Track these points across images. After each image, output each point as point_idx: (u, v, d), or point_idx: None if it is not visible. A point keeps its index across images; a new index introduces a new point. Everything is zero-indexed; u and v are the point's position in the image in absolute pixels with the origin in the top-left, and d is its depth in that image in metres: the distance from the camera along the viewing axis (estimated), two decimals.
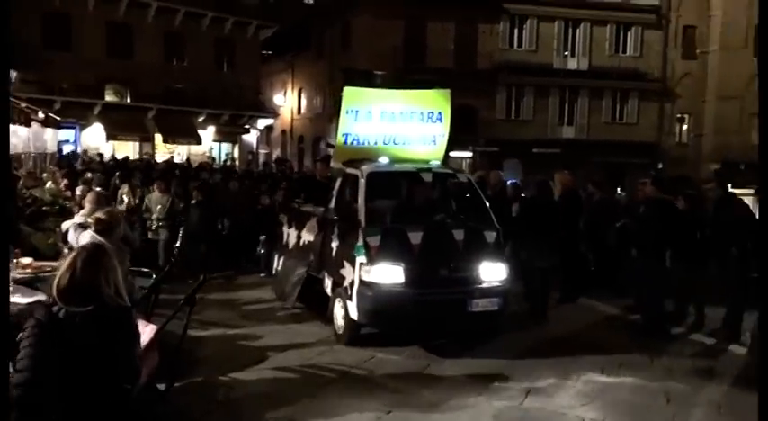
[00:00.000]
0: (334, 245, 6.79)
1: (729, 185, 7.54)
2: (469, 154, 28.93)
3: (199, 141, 27.30)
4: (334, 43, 30.40)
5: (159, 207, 9.64)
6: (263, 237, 9.82)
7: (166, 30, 26.43)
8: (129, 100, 25.88)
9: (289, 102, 34.96)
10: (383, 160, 7.00)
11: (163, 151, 26.38)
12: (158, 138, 26.52)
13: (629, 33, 30.09)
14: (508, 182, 10.11)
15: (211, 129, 28.41)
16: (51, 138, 14.32)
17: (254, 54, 30.02)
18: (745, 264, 6.60)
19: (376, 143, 7.15)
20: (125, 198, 10.15)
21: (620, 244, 8.60)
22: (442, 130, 7.43)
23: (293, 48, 33.08)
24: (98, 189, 9.14)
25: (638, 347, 6.55)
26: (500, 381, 5.51)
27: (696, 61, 30.98)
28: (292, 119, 35.01)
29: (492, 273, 6.33)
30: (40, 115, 12.20)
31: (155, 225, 9.60)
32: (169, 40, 26.74)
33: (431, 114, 7.30)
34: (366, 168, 6.68)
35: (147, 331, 3.62)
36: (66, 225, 5.80)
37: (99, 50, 24.79)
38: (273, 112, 32.59)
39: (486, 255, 6.35)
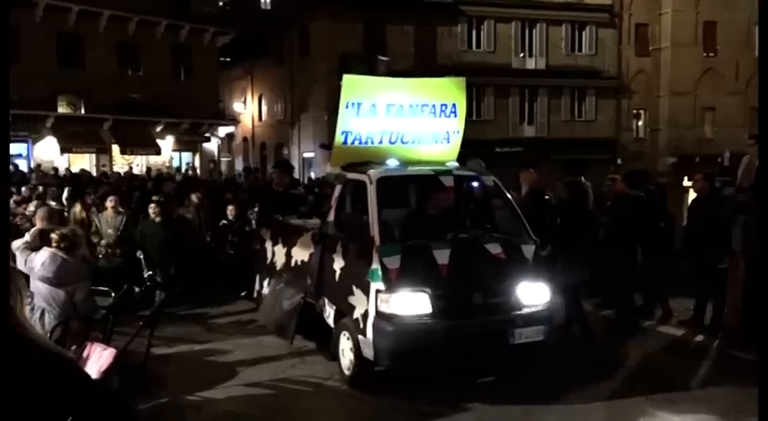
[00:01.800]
0: (338, 266, 5.66)
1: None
2: None
3: (158, 151, 26.68)
4: (292, 48, 30.17)
5: (110, 231, 8.16)
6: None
7: (119, 39, 25.74)
8: (83, 111, 25.13)
9: (249, 109, 34.52)
10: (392, 163, 5.95)
11: (121, 163, 25.72)
12: (116, 149, 25.84)
13: (583, 32, 30.62)
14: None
15: (170, 139, 27.81)
16: None
17: (212, 61, 29.51)
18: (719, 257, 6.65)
19: (381, 142, 6.08)
20: (78, 217, 8.73)
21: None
22: (457, 126, 6.39)
23: (252, 54, 32.69)
24: (53, 203, 8.75)
25: (619, 343, 6.58)
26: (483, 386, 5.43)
27: (649, 58, 31.73)
28: (253, 126, 34.58)
29: (535, 295, 5.36)
30: None
31: (104, 251, 8.05)
32: (123, 50, 26.05)
33: (444, 107, 6.24)
34: (375, 173, 5.57)
35: (105, 355, 3.40)
36: (15, 244, 5.50)
37: (50, 61, 23.99)
38: (234, 120, 32.12)
39: (527, 274, 5.36)
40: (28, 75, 22.99)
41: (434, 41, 28.63)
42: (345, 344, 5.51)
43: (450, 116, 6.31)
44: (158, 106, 25.96)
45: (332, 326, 5.88)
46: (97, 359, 3.37)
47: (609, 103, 31.30)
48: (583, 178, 14.31)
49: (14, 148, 20.03)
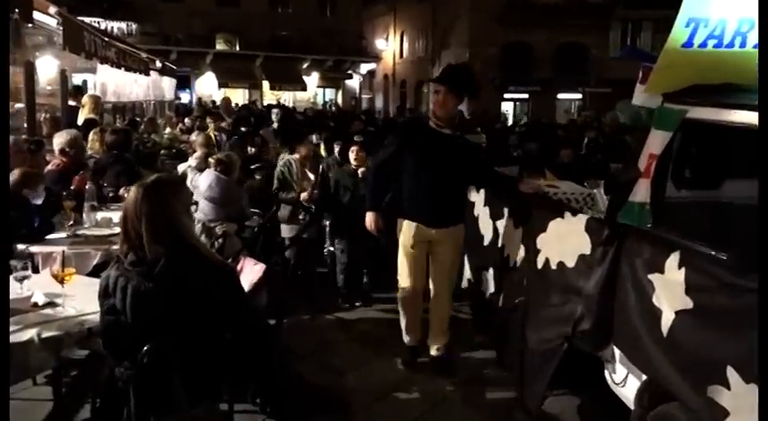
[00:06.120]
0: (668, 305, 2.66)
1: None
2: (579, 96, 27.60)
3: (304, 87, 27.87)
4: None
5: (305, 183, 5.84)
6: None
7: None
8: (238, 48, 26.70)
9: (391, 46, 34.59)
10: None
11: (270, 98, 27.21)
12: (266, 85, 27.30)
13: None
14: None
15: (315, 76, 28.82)
16: (168, 86, 15.05)
17: None
18: None
19: (757, 45, 2.86)
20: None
21: None
22: None
23: None
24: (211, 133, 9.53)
25: None
26: None
27: None
28: (394, 63, 34.68)
29: None
30: (158, 64, 12.78)
31: (302, 214, 5.86)
32: None
33: None
34: None
35: (256, 270, 3.74)
36: (181, 167, 6.14)
37: (209, 1, 25.60)
38: (376, 57, 32.45)
39: None
40: (190, 14, 24.76)
41: None
42: None
43: None
44: (305, 43, 26.91)
45: (629, 404, 3.16)
46: (249, 272, 3.71)
47: None
48: None
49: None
